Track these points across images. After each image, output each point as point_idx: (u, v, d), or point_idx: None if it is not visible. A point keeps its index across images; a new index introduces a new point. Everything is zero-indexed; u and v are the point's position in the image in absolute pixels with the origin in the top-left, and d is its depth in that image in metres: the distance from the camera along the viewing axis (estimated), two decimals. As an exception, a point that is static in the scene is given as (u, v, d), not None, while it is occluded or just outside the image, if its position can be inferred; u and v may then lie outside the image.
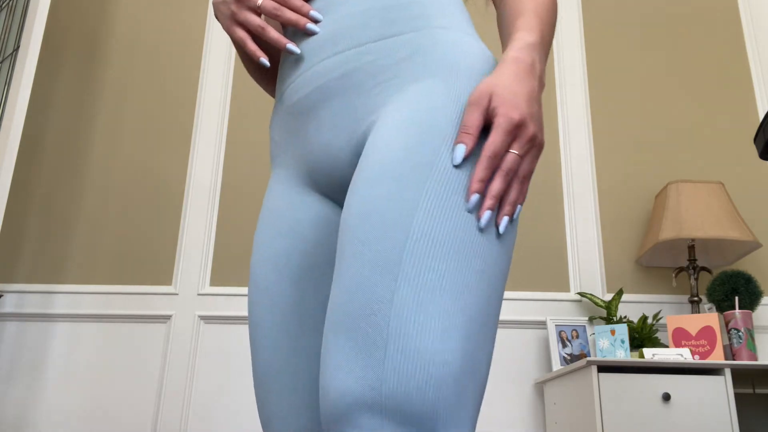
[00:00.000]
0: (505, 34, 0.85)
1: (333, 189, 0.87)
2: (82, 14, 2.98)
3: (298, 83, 0.88)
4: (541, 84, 0.76)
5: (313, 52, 0.86)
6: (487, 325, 0.67)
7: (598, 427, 1.91)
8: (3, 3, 2.57)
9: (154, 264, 2.61)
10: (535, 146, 0.73)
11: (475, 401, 0.65)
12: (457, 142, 0.71)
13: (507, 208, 0.71)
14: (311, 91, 0.86)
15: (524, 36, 0.79)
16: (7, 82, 2.43)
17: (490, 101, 0.72)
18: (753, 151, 2.78)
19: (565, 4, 3.00)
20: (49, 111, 2.83)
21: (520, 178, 0.72)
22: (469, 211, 0.68)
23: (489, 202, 0.69)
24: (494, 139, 0.70)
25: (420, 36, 0.83)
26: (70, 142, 2.78)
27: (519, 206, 0.73)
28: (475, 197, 0.68)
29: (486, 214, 0.69)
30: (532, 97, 0.73)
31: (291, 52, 0.87)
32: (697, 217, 2.35)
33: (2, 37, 2.54)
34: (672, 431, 1.91)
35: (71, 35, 2.95)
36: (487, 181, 0.70)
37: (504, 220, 0.71)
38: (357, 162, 0.82)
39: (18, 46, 2.48)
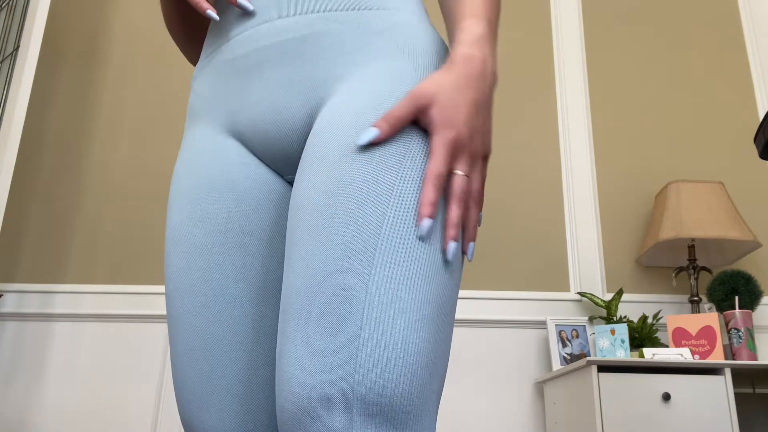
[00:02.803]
0: (448, 12, 0.80)
1: (272, 154, 0.81)
2: (82, 14, 2.98)
3: (246, 36, 0.82)
4: (494, 80, 0.72)
5: (267, 7, 0.81)
6: (450, 315, 0.66)
7: (598, 427, 1.91)
8: (3, 3, 2.57)
9: (154, 264, 2.61)
10: (478, 160, 0.70)
11: (440, 392, 0.64)
12: (375, 125, 0.68)
13: (472, 232, 0.69)
14: (264, 47, 0.80)
15: (472, 26, 0.74)
16: (7, 82, 2.43)
17: (429, 106, 0.68)
18: (753, 151, 2.78)
19: (565, 4, 3.00)
20: (49, 111, 2.83)
21: (474, 198, 0.69)
22: (421, 238, 0.64)
23: (452, 231, 0.66)
24: (434, 164, 0.66)
25: (390, 14, 0.79)
26: (70, 141, 2.78)
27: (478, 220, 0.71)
28: (426, 222, 0.64)
29: (451, 246, 0.66)
30: (477, 105, 0.69)
31: (243, 8, 0.81)
32: (697, 217, 2.35)
33: (2, 37, 2.54)
34: (672, 431, 1.91)
35: (71, 35, 2.95)
36: (436, 203, 0.66)
37: (470, 246, 0.69)
38: (309, 131, 0.77)
39: (18, 46, 2.48)
